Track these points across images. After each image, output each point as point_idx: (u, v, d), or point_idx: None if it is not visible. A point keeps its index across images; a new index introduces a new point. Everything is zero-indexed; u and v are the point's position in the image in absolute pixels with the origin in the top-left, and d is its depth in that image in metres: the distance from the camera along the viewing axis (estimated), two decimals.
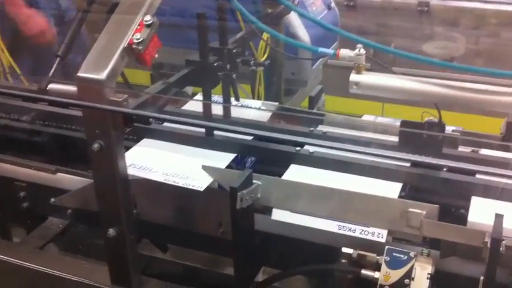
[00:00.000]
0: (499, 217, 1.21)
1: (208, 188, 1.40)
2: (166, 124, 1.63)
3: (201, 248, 1.64)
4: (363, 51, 1.41)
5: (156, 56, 1.40)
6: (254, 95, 2.09)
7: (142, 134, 1.62)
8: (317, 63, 2.52)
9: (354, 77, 1.43)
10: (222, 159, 1.52)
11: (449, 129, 1.67)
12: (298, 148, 1.52)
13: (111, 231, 1.39)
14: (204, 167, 1.44)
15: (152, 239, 1.75)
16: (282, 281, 1.51)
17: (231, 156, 1.53)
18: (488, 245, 1.16)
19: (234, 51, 1.62)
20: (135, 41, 1.36)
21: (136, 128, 1.47)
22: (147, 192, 1.55)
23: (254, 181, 1.38)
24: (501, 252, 1.16)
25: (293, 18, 2.36)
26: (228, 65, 1.60)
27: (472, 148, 1.55)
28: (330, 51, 1.44)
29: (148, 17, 1.39)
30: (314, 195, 1.38)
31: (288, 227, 1.42)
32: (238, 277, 1.40)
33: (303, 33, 2.32)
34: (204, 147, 1.58)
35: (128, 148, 1.52)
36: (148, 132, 1.62)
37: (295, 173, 1.49)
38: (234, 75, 1.62)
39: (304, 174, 1.48)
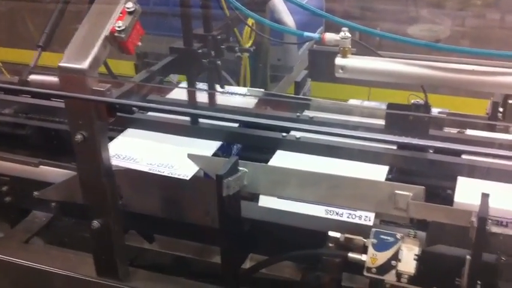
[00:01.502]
0: (485, 196, 1.21)
1: (194, 177, 1.39)
2: (151, 113, 1.62)
3: (188, 237, 1.63)
4: (348, 34, 1.40)
5: (140, 44, 1.39)
6: (240, 82, 2.08)
7: (127, 124, 1.60)
8: (303, 49, 2.51)
9: (339, 60, 1.42)
10: (208, 147, 1.51)
11: (435, 111, 1.67)
12: (284, 134, 1.51)
13: (95, 223, 1.37)
14: (190, 156, 1.43)
15: (139, 230, 1.74)
16: (270, 267, 1.51)
17: (216, 144, 1.51)
18: (475, 224, 1.16)
19: (219, 37, 1.60)
20: (117, 28, 1.34)
21: (121, 118, 1.46)
22: (132, 183, 1.53)
23: (240, 168, 1.37)
24: (487, 231, 1.16)
25: (278, 3, 2.35)
26: (212, 52, 1.58)
27: (459, 129, 1.55)
28: (315, 35, 1.43)
29: (130, 4, 1.37)
30: (301, 181, 1.38)
31: (275, 213, 1.42)
32: (225, 265, 1.39)
33: (288, 19, 2.30)
34: (189, 136, 1.57)
35: (111, 139, 1.50)
36: (133, 122, 1.60)
37: (281, 159, 1.49)
38: (219, 62, 1.60)
39: (290, 160, 1.47)
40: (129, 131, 1.59)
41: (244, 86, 2.02)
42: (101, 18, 1.37)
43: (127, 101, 1.36)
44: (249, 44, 1.96)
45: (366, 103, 1.94)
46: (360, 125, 1.57)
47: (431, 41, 4.09)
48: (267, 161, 1.46)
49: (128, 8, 1.35)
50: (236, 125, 1.56)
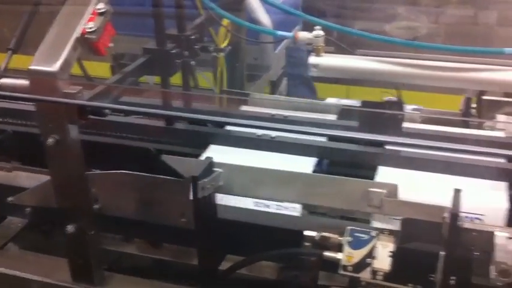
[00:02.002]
0: (457, 192, 1.22)
1: (168, 178, 1.39)
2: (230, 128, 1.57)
3: (165, 240, 1.62)
4: (320, 32, 1.40)
5: (111, 45, 1.37)
6: (216, 82, 2.07)
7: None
8: (279, 48, 2.51)
9: (313, 59, 1.43)
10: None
11: (409, 108, 1.68)
12: (260, 133, 1.51)
13: (70, 228, 1.36)
14: (165, 157, 1.42)
15: (115, 233, 1.72)
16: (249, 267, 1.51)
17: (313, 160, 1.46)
18: (448, 220, 1.17)
19: (193, 37, 1.59)
20: (88, 30, 1.33)
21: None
22: (107, 186, 1.52)
23: (215, 169, 1.37)
24: (460, 226, 1.17)
25: (253, 2, 2.34)
26: (186, 52, 1.57)
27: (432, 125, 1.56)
28: (289, 34, 1.43)
29: (101, 5, 1.36)
30: (278, 180, 1.38)
31: (251, 213, 1.42)
32: (202, 267, 1.39)
33: (264, 18, 2.30)
34: (166, 138, 1.56)
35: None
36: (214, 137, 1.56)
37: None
38: (193, 62, 1.59)
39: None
40: (212, 148, 1.54)
41: (221, 86, 2.02)
42: (71, 19, 1.36)
43: (98, 103, 1.34)
44: (225, 44, 1.95)
45: (343, 101, 1.95)
46: (333, 122, 1.56)
47: (409, 38, 4.13)
48: None
49: (98, 10, 1.34)
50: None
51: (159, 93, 1.60)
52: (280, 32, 1.41)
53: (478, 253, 1.25)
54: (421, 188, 1.32)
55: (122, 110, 1.50)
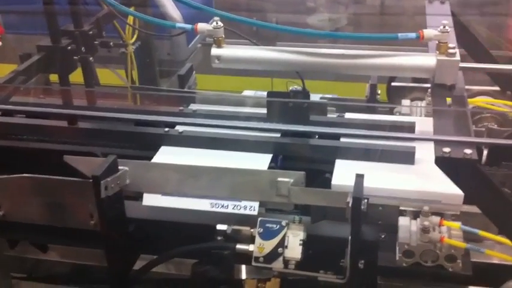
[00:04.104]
0: (359, 177, 1.25)
1: (71, 180, 1.33)
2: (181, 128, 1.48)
3: (75, 243, 1.56)
4: (220, 24, 1.39)
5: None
6: (128, 79, 2.02)
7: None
8: (193, 42, 2.48)
9: (214, 51, 1.41)
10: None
11: (316, 97, 1.70)
12: (167, 129, 1.47)
13: None
14: (67, 157, 1.37)
15: (27, 240, 1.65)
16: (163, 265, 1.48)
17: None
18: (350, 204, 1.19)
19: (90, 33, 1.53)
20: None
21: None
22: (11, 191, 1.44)
23: (121, 167, 1.33)
24: (363, 210, 1.19)
25: None
26: (83, 48, 1.51)
27: (338, 113, 1.58)
28: (188, 26, 1.40)
29: None
30: (185, 175, 1.36)
31: (162, 211, 1.39)
32: (112, 268, 1.35)
33: (175, 12, 2.26)
34: (70, 138, 1.50)
35: None
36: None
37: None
38: (91, 59, 1.53)
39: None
40: (163, 150, 1.47)
41: (132, 83, 1.97)
42: None
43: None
44: (133, 39, 1.90)
45: (260, 93, 1.94)
46: (244, 114, 1.56)
47: (331, 30, 4.18)
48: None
49: None
50: None
51: (56, 92, 1.53)
52: (178, 24, 1.39)
53: (384, 236, 1.29)
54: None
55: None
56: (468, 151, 1.09)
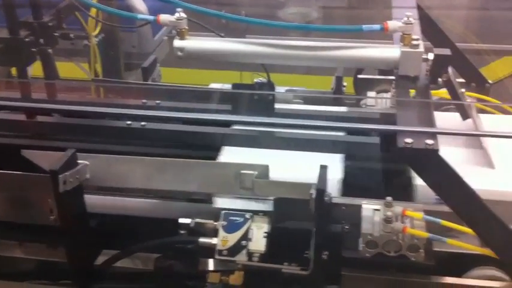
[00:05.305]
0: (323, 168, 1.24)
1: (29, 174, 1.30)
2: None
3: (36, 239, 1.52)
4: (183, 15, 1.36)
5: None
6: (92, 72, 1.98)
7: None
8: (159, 34, 2.45)
9: (177, 42, 1.38)
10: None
11: (282, 89, 1.69)
12: (129, 122, 1.45)
13: None
14: (25, 152, 1.33)
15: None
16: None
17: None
18: (313, 196, 1.19)
19: (50, 24, 1.49)
20: None
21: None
22: None
23: (80, 161, 1.30)
24: (326, 201, 1.19)
25: None
26: (41, 40, 1.47)
27: (306, 105, 1.58)
28: (150, 17, 1.37)
29: None
30: (149, 169, 1.34)
31: (123, 205, 1.36)
32: (72, 264, 1.32)
33: (140, 4, 2.23)
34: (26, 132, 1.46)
35: None
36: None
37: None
38: (50, 51, 1.49)
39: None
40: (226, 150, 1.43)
41: (96, 75, 1.93)
42: None
43: None
44: (97, 32, 1.86)
45: (227, 86, 1.92)
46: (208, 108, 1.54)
47: (301, 23, 4.16)
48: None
49: None
50: None
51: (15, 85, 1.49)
52: (140, 16, 1.36)
53: (347, 227, 1.28)
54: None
55: None
56: (430, 141, 1.09)
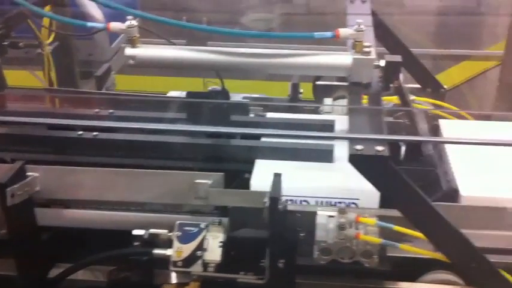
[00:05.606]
0: (277, 176, 1.24)
1: None
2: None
3: None
4: (134, 22, 1.34)
5: None
6: (46, 80, 1.94)
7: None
8: (117, 42, 2.41)
9: (129, 50, 1.36)
10: None
11: (239, 96, 1.69)
12: (80, 132, 1.42)
13: None
14: None
15: None
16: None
17: None
18: (267, 204, 1.18)
19: None
20: None
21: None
22: None
23: (30, 173, 1.27)
24: (280, 210, 1.18)
25: None
26: None
27: (260, 113, 1.57)
28: (101, 25, 1.36)
29: None
30: (101, 180, 1.32)
31: (76, 217, 1.33)
32: (23, 278, 1.28)
33: (96, 11, 2.20)
34: None
35: None
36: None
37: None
38: None
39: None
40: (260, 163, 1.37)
41: (50, 85, 1.89)
42: None
43: None
44: (50, 40, 1.83)
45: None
46: (163, 116, 1.52)
47: (264, 29, 4.17)
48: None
49: None
50: None
51: None
52: (90, 24, 1.34)
53: (303, 234, 1.28)
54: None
55: None
56: (380, 148, 1.10)
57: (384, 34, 1.89)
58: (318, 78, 1.97)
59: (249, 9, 3.59)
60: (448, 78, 2.85)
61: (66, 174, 1.31)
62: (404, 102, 1.48)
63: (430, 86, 1.96)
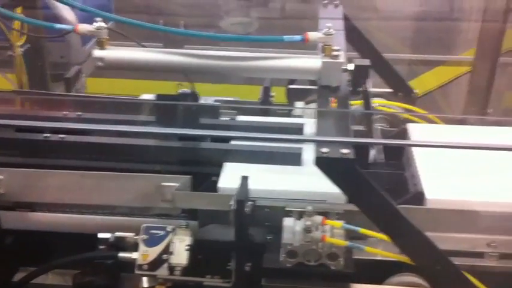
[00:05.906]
0: (244, 179, 1.24)
1: None
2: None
3: None
4: (102, 24, 1.34)
5: None
6: (17, 83, 1.92)
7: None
8: (90, 44, 2.39)
9: (97, 52, 1.35)
10: None
11: (210, 99, 1.68)
12: (47, 135, 1.40)
13: None
14: None
15: None
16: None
17: None
18: (234, 207, 1.18)
19: None
20: None
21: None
22: None
23: None
24: (246, 212, 1.18)
25: None
26: None
27: (231, 116, 1.57)
28: (69, 26, 1.34)
29: None
30: (67, 182, 1.30)
31: (41, 220, 1.32)
32: None
33: (68, 14, 2.18)
34: None
35: None
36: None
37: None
38: None
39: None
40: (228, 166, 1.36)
41: (21, 87, 1.87)
42: None
43: None
44: (22, 42, 1.81)
45: None
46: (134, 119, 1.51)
47: (243, 33, 4.18)
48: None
49: None
50: None
51: None
52: (58, 25, 1.33)
53: (270, 237, 1.28)
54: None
55: None
56: (345, 151, 1.10)
57: (356, 39, 1.90)
58: (292, 82, 1.98)
59: (227, 13, 3.59)
60: (421, 83, 2.87)
61: (31, 177, 1.30)
62: (367, 106, 1.50)
63: (402, 91, 1.98)
